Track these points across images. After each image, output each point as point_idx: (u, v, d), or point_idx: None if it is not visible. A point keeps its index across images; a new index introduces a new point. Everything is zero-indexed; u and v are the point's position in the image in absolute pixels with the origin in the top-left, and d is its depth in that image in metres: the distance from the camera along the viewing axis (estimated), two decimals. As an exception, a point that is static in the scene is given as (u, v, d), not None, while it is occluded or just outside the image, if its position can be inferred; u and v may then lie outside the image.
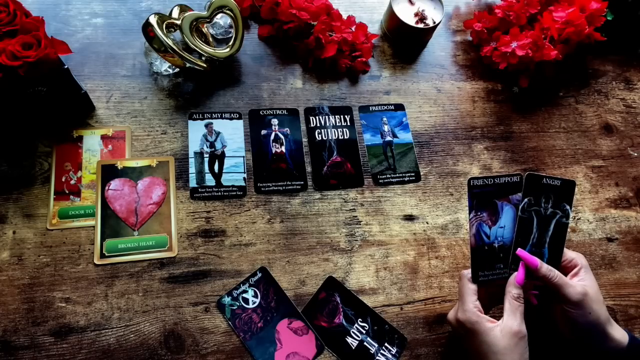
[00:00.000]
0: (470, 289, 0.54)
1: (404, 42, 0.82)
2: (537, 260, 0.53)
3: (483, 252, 0.56)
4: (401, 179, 0.71)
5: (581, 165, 0.77)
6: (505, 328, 0.50)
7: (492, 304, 0.57)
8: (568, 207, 0.58)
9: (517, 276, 0.53)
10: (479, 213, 0.56)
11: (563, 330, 0.53)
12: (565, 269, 0.55)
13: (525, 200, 0.57)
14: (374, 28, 0.83)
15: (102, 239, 0.60)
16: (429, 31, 0.81)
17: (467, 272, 0.55)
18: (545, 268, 0.53)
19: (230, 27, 0.76)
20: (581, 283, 0.52)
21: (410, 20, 0.78)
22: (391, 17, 0.79)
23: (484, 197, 0.57)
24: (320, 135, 0.72)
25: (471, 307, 0.52)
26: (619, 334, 0.52)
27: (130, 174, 0.65)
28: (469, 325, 0.51)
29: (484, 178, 0.57)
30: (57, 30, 0.73)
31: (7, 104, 0.58)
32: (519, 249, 0.54)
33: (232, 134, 0.70)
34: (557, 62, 0.76)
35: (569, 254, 0.55)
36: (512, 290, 0.53)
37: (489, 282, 0.55)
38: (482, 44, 0.81)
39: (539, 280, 0.54)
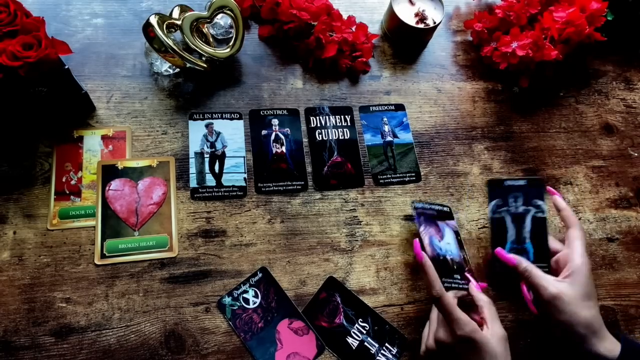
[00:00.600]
0: (454, 302, 0.51)
1: (404, 42, 0.82)
2: (514, 259, 0.53)
3: (439, 261, 0.58)
4: (402, 179, 0.71)
5: (581, 165, 0.77)
6: (495, 335, 0.49)
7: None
8: (540, 203, 0.62)
9: (475, 285, 0.55)
10: (426, 228, 0.61)
11: (552, 329, 0.54)
12: (559, 262, 0.55)
13: (493, 203, 0.63)
14: (374, 28, 0.83)
15: (103, 239, 0.60)
16: (429, 31, 0.81)
17: (439, 289, 0.52)
18: (523, 266, 0.53)
19: (231, 27, 0.76)
20: (558, 283, 0.51)
21: (410, 20, 0.78)
22: (391, 17, 0.79)
23: (427, 217, 0.63)
24: (320, 136, 0.72)
25: (466, 318, 0.50)
26: (609, 346, 0.49)
27: (131, 174, 0.65)
28: (472, 336, 0.48)
29: (424, 202, 0.66)
30: (58, 30, 0.73)
31: (8, 104, 0.58)
32: (497, 248, 0.55)
33: (233, 134, 0.70)
34: (558, 62, 0.76)
35: (565, 249, 0.56)
36: (482, 297, 0.53)
37: (450, 289, 0.56)
38: (482, 44, 0.81)
39: (518, 276, 0.55)
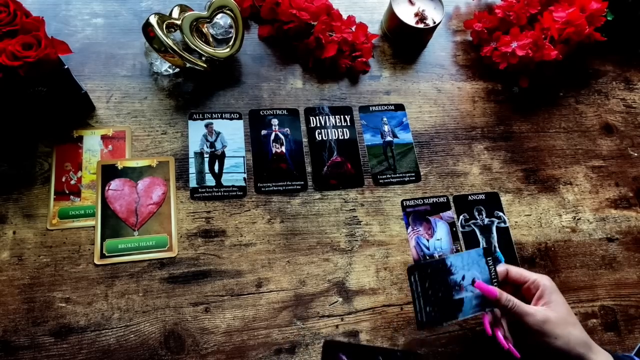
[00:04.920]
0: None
1: (404, 42, 0.82)
2: (495, 291, 0.51)
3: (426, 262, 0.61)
4: (401, 179, 0.71)
5: (581, 165, 0.77)
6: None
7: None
8: (501, 213, 0.69)
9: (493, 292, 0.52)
10: (415, 228, 0.63)
11: (541, 350, 0.51)
12: (529, 291, 0.53)
13: (461, 217, 0.68)
14: (374, 28, 0.83)
15: (102, 239, 0.60)
16: (429, 31, 0.81)
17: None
18: (504, 298, 0.51)
19: (231, 27, 0.76)
20: (543, 309, 0.50)
21: (410, 20, 0.78)
22: (391, 17, 0.79)
23: (417, 215, 0.65)
24: (320, 136, 0.72)
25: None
26: (602, 358, 0.49)
27: (131, 174, 0.65)
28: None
29: (414, 199, 0.68)
30: (57, 30, 0.73)
31: (8, 104, 0.58)
32: (476, 281, 0.53)
33: (232, 134, 0.70)
34: (557, 62, 0.76)
35: (531, 276, 0.53)
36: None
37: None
38: (482, 44, 0.81)
39: (500, 310, 0.52)
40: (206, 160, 0.67)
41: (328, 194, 0.68)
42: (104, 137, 0.66)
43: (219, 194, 0.66)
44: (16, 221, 0.60)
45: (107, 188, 0.63)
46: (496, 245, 0.68)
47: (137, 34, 0.71)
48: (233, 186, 0.66)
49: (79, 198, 0.62)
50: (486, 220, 0.69)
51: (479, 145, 0.75)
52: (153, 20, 0.64)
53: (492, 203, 0.71)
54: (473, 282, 0.53)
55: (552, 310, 0.50)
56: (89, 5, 0.76)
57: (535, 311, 0.50)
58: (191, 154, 0.67)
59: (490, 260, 0.54)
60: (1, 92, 0.56)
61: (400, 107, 0.76)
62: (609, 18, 0.80)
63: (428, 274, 0.51)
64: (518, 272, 0.55)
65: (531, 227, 0.70)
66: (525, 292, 0.54)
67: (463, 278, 0.52)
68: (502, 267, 0.56)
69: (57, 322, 0.56)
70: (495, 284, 0.54)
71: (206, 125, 0.70)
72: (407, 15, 0.78)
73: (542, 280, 0.53)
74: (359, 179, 0.70)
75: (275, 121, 0.72)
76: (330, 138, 0.72)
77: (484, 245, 0.65)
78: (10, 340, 0.54)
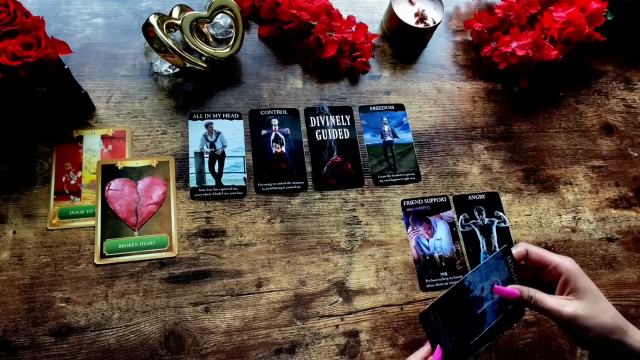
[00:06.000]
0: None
1: (404, 42, 0.82)
2: (515, 291, 0.48)
3: (426, 262, 0.61)
4: (401, 179, 0.71)
5: (581, 165, 0.77)
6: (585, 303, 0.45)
7: None
8: (501, 213, 0.69)
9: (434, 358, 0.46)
10: (415, 228, 0.63)
11: (577, 345, 0.49)
12: (550, 275, 0.49)
13: (461, 217, 0.68)
14: (374, 28, 0.83)
15: (103, 239, 0.60)
16: (429, 31, 0.81)
17: (527, 294, 0.47)
18: (526, 295, 0.47)
19: (231, 27, 0.76)
20: (569, 302, 0.46)
21: (410, 20, 0.78)
22: (391, 17, 0.79)
23: (417, 215, 0.65)
24: (320, 135, 0.72)
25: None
26: (638, 337, 0.45)
27: (131, 174, 0.65)
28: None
29: (414, 199, 0.69)
30: (57, 30, 0.73)
31: (8, 104, 0.58)
32: (494, 286, 0.48)
33: (233, 134, 0.70)
34: (557, 62, 0.76)
35: (552, 259, 0.49)
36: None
37: (435, 289, 0.56)
38: (482, 44, 0.81)
39: (524, 306, 0.49)
40: (206, 160, 0.67)
41: (328, 194, 0.68)
42: (104, 137, 0.66)
43: (219, 194, 0.66)
44: (16, 221, 0.60)
45: (107, 188, 0.63)
46: (496, 245, 0.68)
47: (137, 34, 0.71)
48: (233, 186, 0.66)
49: (79, 198, 0.62)
50: (486, 220, 0.69)
51: (479, 145, 0.75)
52: (153, 20, 0.64)
53: (492, 203, 0.71)
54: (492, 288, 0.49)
55: (580, 301, 0.46)
56: (89, 5, 0.76)
57: (561, 306, 0.46)
58: (191, 154, 0.67)
59: (509, 258, 0.50)
60: (1, 92, 0.56)
61: (400, 107, 0.76)
62: (609, 18, 0.80)
63: (448, 307, 0.47)
64: (538, 253, 0.50)
65: (531, 227, 0.70)
66: (547, 276, 0.49)
67: (482, 290, 0.49)
68: (520, 248, 0.50)
69: (57, 322, 0.56)
70: (516, 279, 0.50)
71: (206, 125, 0.70)
72: (407, 15, 0.78)
73: (565, 263, 0.48)
74: (359, 179, 0.70)
75: (275, 121, 0.72)
76: (330, 138, 0.72)
77: (485, 246, 0.65)
78: (10, 340, 0.54)
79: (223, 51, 0.71)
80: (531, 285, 0.48)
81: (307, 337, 0.59)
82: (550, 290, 0.49)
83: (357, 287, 0.63)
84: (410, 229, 0.67)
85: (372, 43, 0.80)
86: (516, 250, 0.50)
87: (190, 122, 0.69)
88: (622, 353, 0.46)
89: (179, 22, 0.67)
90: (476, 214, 0.70)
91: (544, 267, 0.49)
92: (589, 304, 0.46)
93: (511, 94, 0.81)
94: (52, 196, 0.62)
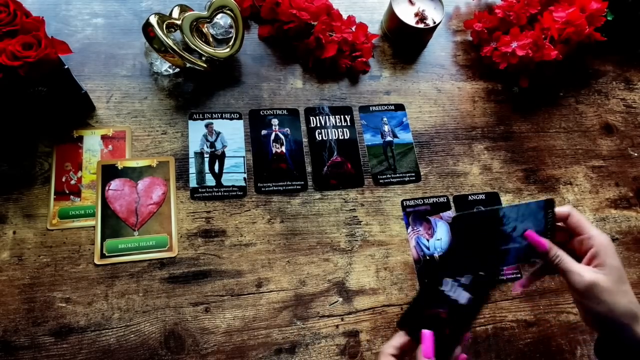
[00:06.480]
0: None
1: (404, 42, 0.82)
2: (546, 243, 0.47)
3: (426, 262, 0.60)
4: (401, 179, 0.71)
5: (581, 165, 0.77)
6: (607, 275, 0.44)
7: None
8: None
9: (423, 350, 0.45)
10: (415, 228, 0.63)
11: (584, 319, 0.48)
12: (580, 245, 0.48)
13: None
14: (374, 28, 0.83)
15: (103, 239, 0.60)
16: (429, 31, 0.81)
17: (554, 254, 0.47)
18: (553, 253, 0.47)
19: (231, 27, 0.76)
20: (592, 270, 0.45)
21: (410, 20, 0.78)
22: (391, 17, 0.79)
23: (418, 215, 0.65)
24: (320, 136, 0.72)
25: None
26: None
27: (131, 174, 0.65)
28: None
29: (414, 199, 0.69)
30: (57, 30, 0.73)
31: (8, 104, 0.58)
32: (528, 230, 0.48)
33: (233, 134, 0.70)
34: (557, 62, 0.76)
35: (590, 230, 0.48)
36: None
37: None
38: (482, 44, 0.81)
39: (546, 263, 0.48)
40: (206, 160, 0.67)
41: (328, 194, 0.68)
42: (104, 137, 0.66)
43: (219, 194, 0.66)
44: (16, 221, 0.60)
45: (107, 188, 0.63)
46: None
47: (137, 34, 0.71)
48: (233, 186, 0.66)
49: (79, 198, 0.62)
50: None
51: (479, 145, 0.75)
52: (153, 20, 0.64)
53: (492, 203, 0.71)
54: (523, 233, 0.49)
55: (603, 274, 0.45)
56: (89, 5, 0.76)
57: (583, 271, 0.45)
58: (191, 154, 0.67)
59: (550, 212, 0.48)
60: (1, 92, 0.56)
61: (400, 107, 0.76)
62: (609, 18, 0.80)
63: (477, 225, 0.47)
64: (579, 220, 0.49)
65: (531, 227, 0.70)
66: (576, 245, 0.49)
67: (514, 229, 0.48)
68: (565, 208, 0.49)
69: (57, 322, 0.56)
70: (550, 235, 0.49)
71: (206, 125, 0.70)
72: (407, 15, 0.78)
73: (600, 238, 0.47)
74: (359, 179, 0.70)
75: (275, 121, 0.72)
76: (330, 138, 0.72)
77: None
78: (10, 340, 0.54)
79: (223, 51, 0.71)
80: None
81: (307, 337, 0.59)
82: (578, 260, 0.48)
83: (357, 287, 0.63)
84: (410, 229, 0.67)
85: (372, 43, 0.80)
86: (560, 209, 0.49)
87: (190, 122, 0.69)
88: (627, 340, 0.45)
89: (179, 22, 0.67)
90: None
91: (578, 235, 0.49)
92: (611, 279, 0.45)
93: (511, 94, 0.81)
94: (52, 196, 0.62)
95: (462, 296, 0.48)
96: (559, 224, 0.50)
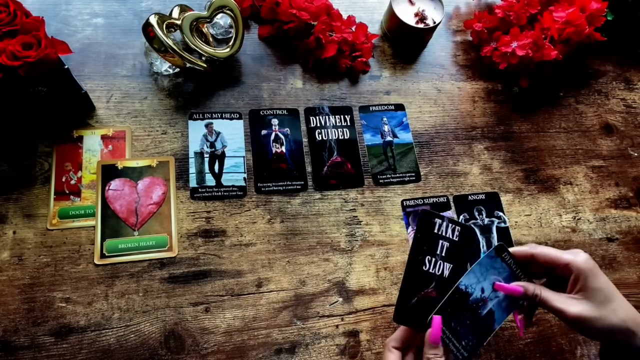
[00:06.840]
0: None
1: (404, 42, 0.82)
2: (519, 287, 0.46)
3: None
4: (401, 179, 0.71)
5: (581, 165, 0.77)
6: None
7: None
8: (501, 213, 0.70)
9: (431, 334, 0.45)
10: (415, 228, 0.60)
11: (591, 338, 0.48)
12: (563, 273, 0.47)
13: (461, 217, 0.69)
14: (374, 28, 0.83)
15: (103, 239, 0.60)
16: (429, 31, 0.81)
17: (532, 291, 0.46)
18: (531, 292, 0.46)
19: (231, 27, 0.76)
20: (576, 301, 0.44)
21: (410, 20, 0.78)
22: (391, 17, 0.79)
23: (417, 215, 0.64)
24: (320, 135, 0.72)
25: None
26: None
27: (131, 174, 0.65)
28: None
29: (414, 199, 0.69)
30: (57, 30, 0.73)
31: (7, 104, 0.58)
32: (495, 283, 0.47)
33: (233, 134, 0.70)
34: (557, 62, 0.76)
35: (561, 258, 0.46)
36: (428, 351, 0.45)
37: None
38: (482, 44, 0.81)
39: (531, 303, 0.48)
40: (206, 160, 0.67)
41: (328, 194, 0.68)
42: (104, 137, 0.66)
43: (219, 194, 0.66)
44: (16, 221, 0.60)
45: (107, 188, 0.63)
46: (495, 244, 0.67)
47: (137, 34, 0.71)
48: (233, 186, 0.66)
49: (79, 198, 0.62)
50: (486, 220, 0.70)
51: (479, 145, 0.75)
52: (153, 20, 0.64)
53: (492, 203, 0.71)
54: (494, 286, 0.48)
55: (588, 301, 0.44)
56: (89, 5, 0.76)
57: (565, 306, 0.44)
58: (191, 154, 0.67)
59: (506, 256, 0.48)
60: (1, 92, 0.56)
61: (400, 107, 0.76)
62: (609, 18, 0.80)
63: (450, 314, 0.46)
64: (546, 254, 0.47)
65: (531, 227, 0.70)
66: (559, 273, 0.47)
67: (483, 290, 0.47)
68: (524, 249, 0.48)
69: (57, 322, 0.56)
70: (522, 276, 0.48)
71: (206, 125, 0.70)
72: (407, 15, 0.78)
73: (576, 262, 0.45)
74: (359, 179, 0.70)
75: (275, 121, 0.72)
76: (330, 138, 0.72)
77: (485, 246, 0.65)
78: (10, 340, 0.54)
79: (223, 51, 0.71)
80: (547, 280, 0.48)
81: (307, 337, 0.59)
82: (566, 285, 0.47)
83: (357, 287, 0.63)
84: (410, 229, 0.67)
85: (372, 43, 0.80)
86: (519, 250, 0.49)
87: (190, 122, 0.69)
88: (630, 351, 0.45)
89: (179, 22, 0.67)
90: (476, 214, 0.70)
91: (555, 266, 0.47)
92: (595, 305, 0.44)
93: (511, 94, 0.81)
94: (52, 196, 0.62)
95: (445, 267, 0.48)
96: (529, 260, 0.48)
